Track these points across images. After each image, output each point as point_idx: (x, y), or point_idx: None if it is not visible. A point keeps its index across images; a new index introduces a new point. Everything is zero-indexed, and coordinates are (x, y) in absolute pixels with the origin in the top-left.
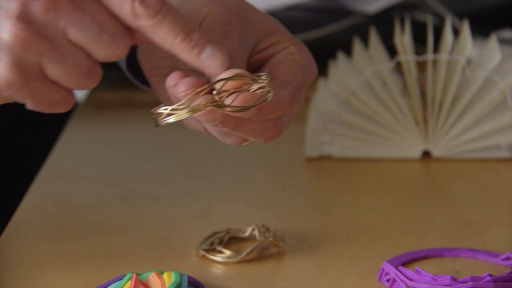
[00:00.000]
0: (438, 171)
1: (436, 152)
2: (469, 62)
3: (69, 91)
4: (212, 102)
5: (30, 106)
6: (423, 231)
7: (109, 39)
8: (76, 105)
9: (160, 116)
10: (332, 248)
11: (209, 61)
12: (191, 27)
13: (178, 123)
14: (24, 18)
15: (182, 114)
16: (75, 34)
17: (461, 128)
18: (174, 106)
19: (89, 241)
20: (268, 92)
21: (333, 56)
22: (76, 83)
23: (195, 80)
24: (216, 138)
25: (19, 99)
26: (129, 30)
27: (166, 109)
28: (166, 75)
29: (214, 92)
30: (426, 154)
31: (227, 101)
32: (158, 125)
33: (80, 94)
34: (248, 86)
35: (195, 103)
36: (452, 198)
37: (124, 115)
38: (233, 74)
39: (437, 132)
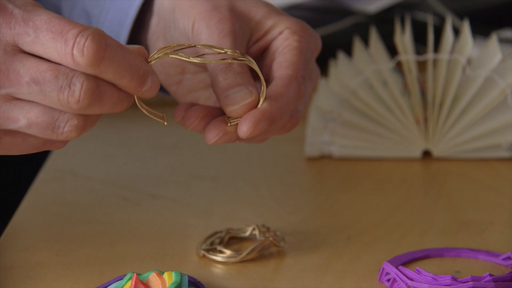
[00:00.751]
0: (438, 170)
1: (436, 151)
2: (469, 61)
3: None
4: (173, 50)
5: (13, 154)
6: (424, 231)
7: (54, 92)
8: None
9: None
10: (332, 247)
11: (147, 92)
12: (137, 65)
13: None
14: None
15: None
16: (21, 95)
17: (461, 127)
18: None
19: (89, 241)
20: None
21: (333, 55)
22: (46, 136)
23: (199, 107)
24: None
25: None
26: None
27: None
28: (180, 82)
29: (227, 118)
30: (426, 154)
31: (240, 132)
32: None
33: None
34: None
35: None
36: (452, 198)
37: (125, 115)
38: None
39: (437, 131)
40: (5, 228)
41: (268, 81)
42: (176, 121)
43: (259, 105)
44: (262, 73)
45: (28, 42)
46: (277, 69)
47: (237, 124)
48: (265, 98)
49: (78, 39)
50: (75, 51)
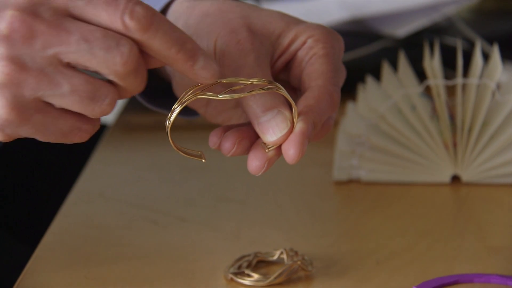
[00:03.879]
0: (467, 195)
1: (465, 176)
2: (499, 86)
3: (82, 118)
4: (201, 90)
5: (40, 139)
6: (453, 256)
7: (102, 51)
8: (104, 128)
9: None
10: (361, 272)
11: (202, 72)
12: (184, 38)
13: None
14: (8, 55)
15: (177, 109)
16: (68, 56)
17: (490, 153)
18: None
19: (118, 264)
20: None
21: (362, 79)
22: (83, 109)
23: (233, 132)
24: (244, 161)
25: (25, 134)
26: (123, 41)
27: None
28: (208, 104)
29: (263, 144)
30: (455, 179)
31: (289, 159)
32: (167, 129)
33: (110, 117)
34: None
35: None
36: (482, 223)
37: (153, 138)
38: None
39: (466, 156)
40: (34, 250)
41: (298, 93)
42: (212, 148)
43: (294, 125)
44: (290, 85)
45: (80, 6)
46: (307, 80)
47: (274, 148)
48: (298, 113)
49: (129, 5)
50: (125, 15)
